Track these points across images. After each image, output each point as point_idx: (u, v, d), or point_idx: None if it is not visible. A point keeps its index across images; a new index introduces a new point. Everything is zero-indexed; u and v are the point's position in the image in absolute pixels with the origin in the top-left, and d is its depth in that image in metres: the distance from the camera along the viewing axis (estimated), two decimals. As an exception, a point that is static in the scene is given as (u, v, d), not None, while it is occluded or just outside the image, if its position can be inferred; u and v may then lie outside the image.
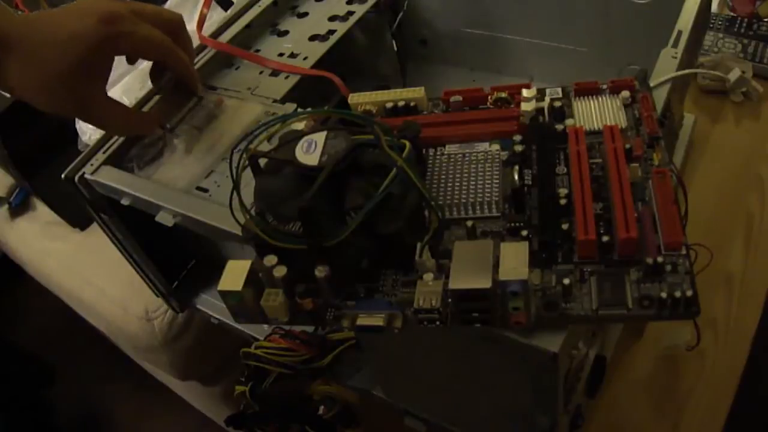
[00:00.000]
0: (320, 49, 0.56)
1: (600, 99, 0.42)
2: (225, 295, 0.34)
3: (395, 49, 0.71)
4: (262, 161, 0.36)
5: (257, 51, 0.58)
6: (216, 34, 0.58)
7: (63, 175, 0.50)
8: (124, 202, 0.48)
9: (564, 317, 0.32)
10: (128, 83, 0.73)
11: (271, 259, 0.34)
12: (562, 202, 0.35)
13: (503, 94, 0.43)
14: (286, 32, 0.60)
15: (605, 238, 0.33)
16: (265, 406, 0.48)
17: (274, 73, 0.55)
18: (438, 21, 0.69)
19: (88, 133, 0.75)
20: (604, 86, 0.42)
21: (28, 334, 1.46)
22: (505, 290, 0.30)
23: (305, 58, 0.56)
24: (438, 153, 0.41)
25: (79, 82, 0.43)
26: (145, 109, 0.52)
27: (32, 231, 0.90)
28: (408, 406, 0.49)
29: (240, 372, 0.48)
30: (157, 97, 0.53)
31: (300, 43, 0.58)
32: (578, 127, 0.39)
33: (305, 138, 0.35)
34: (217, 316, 0.61)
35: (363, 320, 0.34)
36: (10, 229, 0.92)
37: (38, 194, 0.87)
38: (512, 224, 0.36)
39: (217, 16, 0.73)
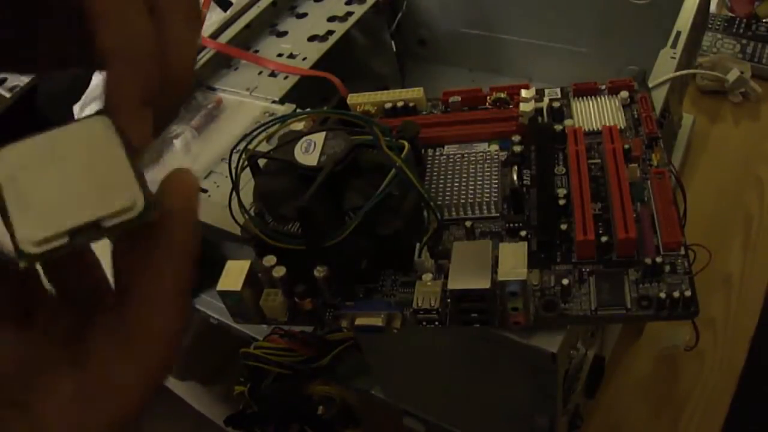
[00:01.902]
0: (319, 49, 0.56)
1: (599, 99, 0.42)
2: (224, 295, 0.34)
3: (394, 49, 0.71)
4: (261, 162, 0.36)
5: (256, 51, 0.58)
6: (215, 34, 0.58)
7: (62, 176, 0.50)
8: (123, 202, 0.48)
9: (563, 317, 0.32)
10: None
11: (270, 260, 0.34)
12: (561, 202, 0.35)
13: (502, 95, 0.43)
14: (285, 33, 0.60)
15: (604, 239, 0.33)
16: (264, 406, 0.48)
17: (273, 74, 0.55)
18: (437, 21, 0.69)
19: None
20: (603, 87, 0.42)
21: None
22: (504, 290, 0.30)
23: (304, 59, 0.56)
24: (437, 153, 0.41)
25: None
26: None
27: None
28: (408, 406, 0.49)
29: (239, 372, 0.48)
30: None
31: (299, 44, 0.58)
32: (577, 128, 0.39)
33: (304, 138, 0.35)
34: (216, 316, 0.61)
35: (362, 320, 0.34)
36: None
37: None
38: (511, 224, 0.36)
39: (216, 16, 0.73)
